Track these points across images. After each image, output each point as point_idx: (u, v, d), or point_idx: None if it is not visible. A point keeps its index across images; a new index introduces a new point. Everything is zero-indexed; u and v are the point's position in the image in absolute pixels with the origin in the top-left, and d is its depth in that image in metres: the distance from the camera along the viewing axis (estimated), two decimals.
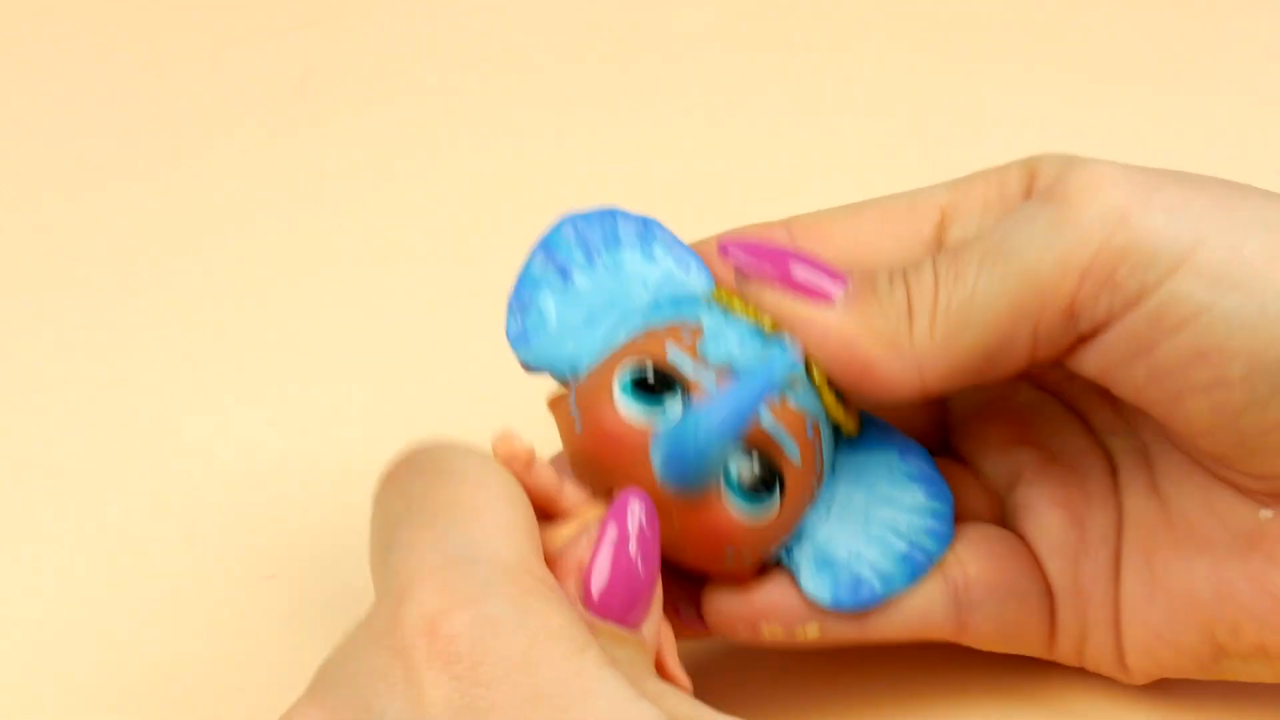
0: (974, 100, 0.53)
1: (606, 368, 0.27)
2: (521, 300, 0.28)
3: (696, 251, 0.29)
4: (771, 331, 0.27)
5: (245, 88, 0.56)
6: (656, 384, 0.26)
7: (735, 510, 0.26)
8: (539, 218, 0.49)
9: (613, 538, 0.24)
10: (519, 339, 0.28)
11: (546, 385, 0.28)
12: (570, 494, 0.26)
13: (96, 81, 0.57)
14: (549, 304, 0.28)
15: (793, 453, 0.26)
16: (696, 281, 0.28)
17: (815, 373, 0.26)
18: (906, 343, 0.26)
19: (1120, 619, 0.28)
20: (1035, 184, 0.28)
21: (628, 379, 0.26)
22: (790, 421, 0.26)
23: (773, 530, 0.26)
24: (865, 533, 0.27)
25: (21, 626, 0.35)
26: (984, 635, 0.28)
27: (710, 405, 0.25)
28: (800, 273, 0.26)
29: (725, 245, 0.27)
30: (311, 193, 0.50)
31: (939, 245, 0.28)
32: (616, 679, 0.21)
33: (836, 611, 0.27)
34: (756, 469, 0.26)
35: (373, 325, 0.44)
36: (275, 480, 0.39)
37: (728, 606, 0.27)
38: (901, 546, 0.27)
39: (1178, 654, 0.28)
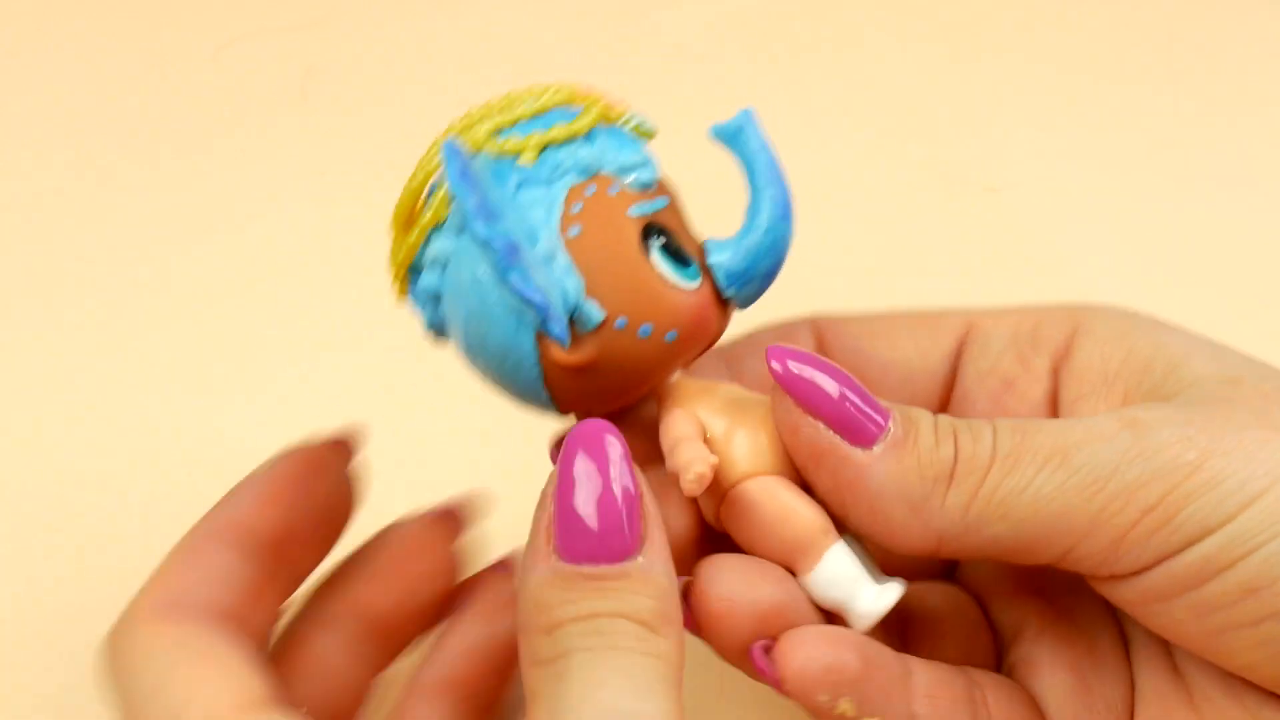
0: (974, 99, 0.53)
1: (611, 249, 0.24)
2: (467, 179, 0.24)
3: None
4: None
5: (246, 87, 0.56)
6: (673, 250, 0.25)
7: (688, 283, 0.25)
8: None
9: (570, 474, 0.23)
10: (479, 209, 0.23)
11: None
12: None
13: (98, 80, 0.57)
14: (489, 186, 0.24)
15: None
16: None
17: None
18: (936, 508, 0.24)
19: None
20: (1078, 333, 0.27)
21: (660, 244, 0.25)
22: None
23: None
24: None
25: (22, 626, 0.35)
26: None
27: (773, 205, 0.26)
28: (845, 405, 0.25)
29: (773, 352, 0.25)
30: (312, 191, 0.50)
31: (957, 357, 0.28)
32: None
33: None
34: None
35: (373, 323, 0.44)
36: None
37: (809, 663, 0.25)
38: None
39: None
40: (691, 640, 0.26)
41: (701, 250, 0.26)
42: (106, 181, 0.51)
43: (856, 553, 0.26)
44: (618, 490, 0.23)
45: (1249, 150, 0.50)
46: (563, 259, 0.24)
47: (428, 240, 0.25)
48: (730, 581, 0.25)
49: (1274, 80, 0.54)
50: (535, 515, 0.24)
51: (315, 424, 0.41)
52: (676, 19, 0.59)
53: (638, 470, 0.24)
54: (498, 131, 0.24)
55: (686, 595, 0.26)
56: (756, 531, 0.26)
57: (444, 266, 0.25)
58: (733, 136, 0.26)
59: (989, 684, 0.27)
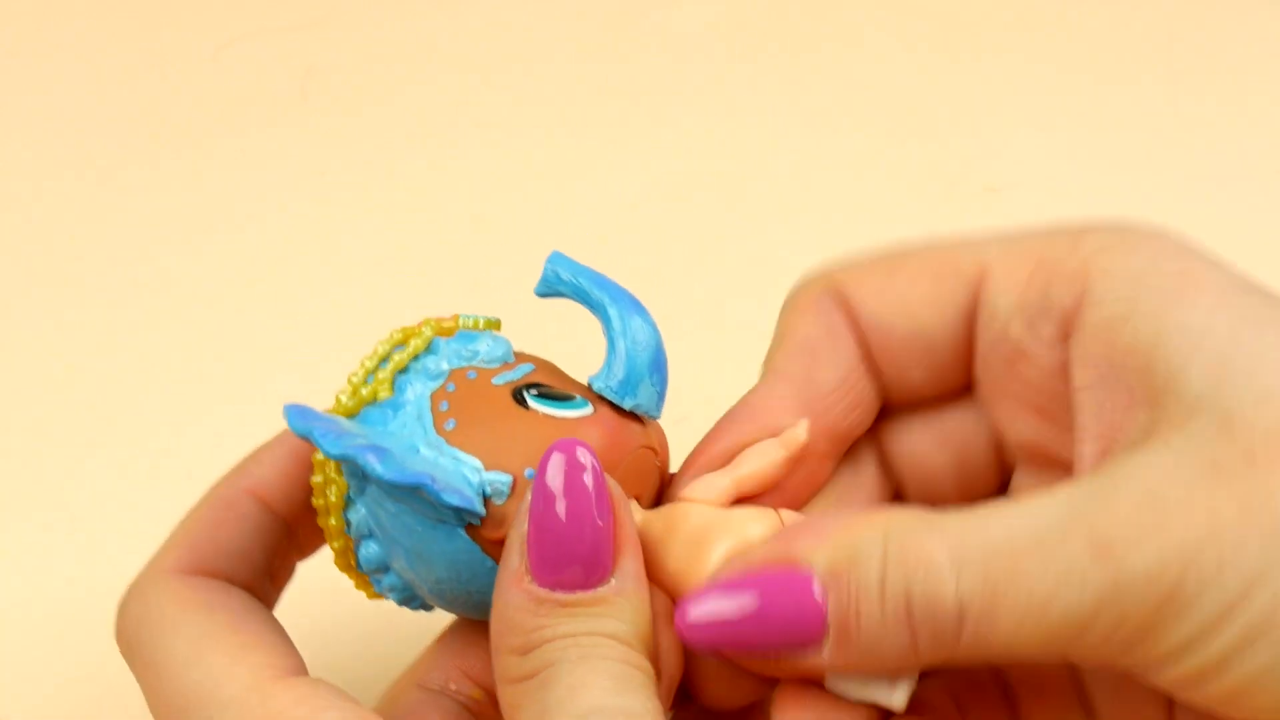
0: (974, 99, 0.53)
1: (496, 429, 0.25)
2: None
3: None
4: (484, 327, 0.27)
5: (246, 87, 0.56)
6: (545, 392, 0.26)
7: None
8: (539, 215, 0.49)
9: (543, 501, 0.23)
10: (364, 454, 0.24)
11: None
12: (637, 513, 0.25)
13: (98, 80, 0.57)
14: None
15: None
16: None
17: None
18: (914, 663, 0.23)
19: None
20: (1085, 301, 0.25)
21: (534, 394, 0.26)
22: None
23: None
24: None
25: (24, 628, 0.35)
26: None
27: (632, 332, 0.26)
28: (770, 641, 0.23)
29: (683, 628, 0.24)
30: (312, 191, 0.50)
31: (974, 312, 0.27)
32: None
33: None
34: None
35: (373, 322, 0.44)
36: None
37: None
38: None
39: None
40: None
41: (588, 388, 0.26)
42: (106, 181, 0.51)
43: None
44: (592, 510, 0.23)
45: (1249, 150, 0.50)
46: (450, 451, 0.24)
47: (346, 521, 0.26)
48: None
49: (1274, 80, 0.54)
50: (509, 535, 0.24)
51: None
52: (677, 18, 0.59)
53: (612, 484, 0.24)
54: (357, 390, 0.26)
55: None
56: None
57: (370, 531, 0.25)
58: (554, 283, 0.27)
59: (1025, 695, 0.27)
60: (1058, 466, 0.27)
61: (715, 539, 0.25)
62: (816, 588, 0.23)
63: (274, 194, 0.50)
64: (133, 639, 0.25)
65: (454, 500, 0.23)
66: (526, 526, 0.23)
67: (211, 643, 0.24)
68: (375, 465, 0.23)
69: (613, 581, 0.23)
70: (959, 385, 0.28)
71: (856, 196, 0.49)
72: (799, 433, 0.26)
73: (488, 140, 0.52)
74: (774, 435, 0.27)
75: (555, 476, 0.23)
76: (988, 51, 0.56)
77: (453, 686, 0.26)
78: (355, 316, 0.44)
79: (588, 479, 0.23)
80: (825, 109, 0.53)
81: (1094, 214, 0.28)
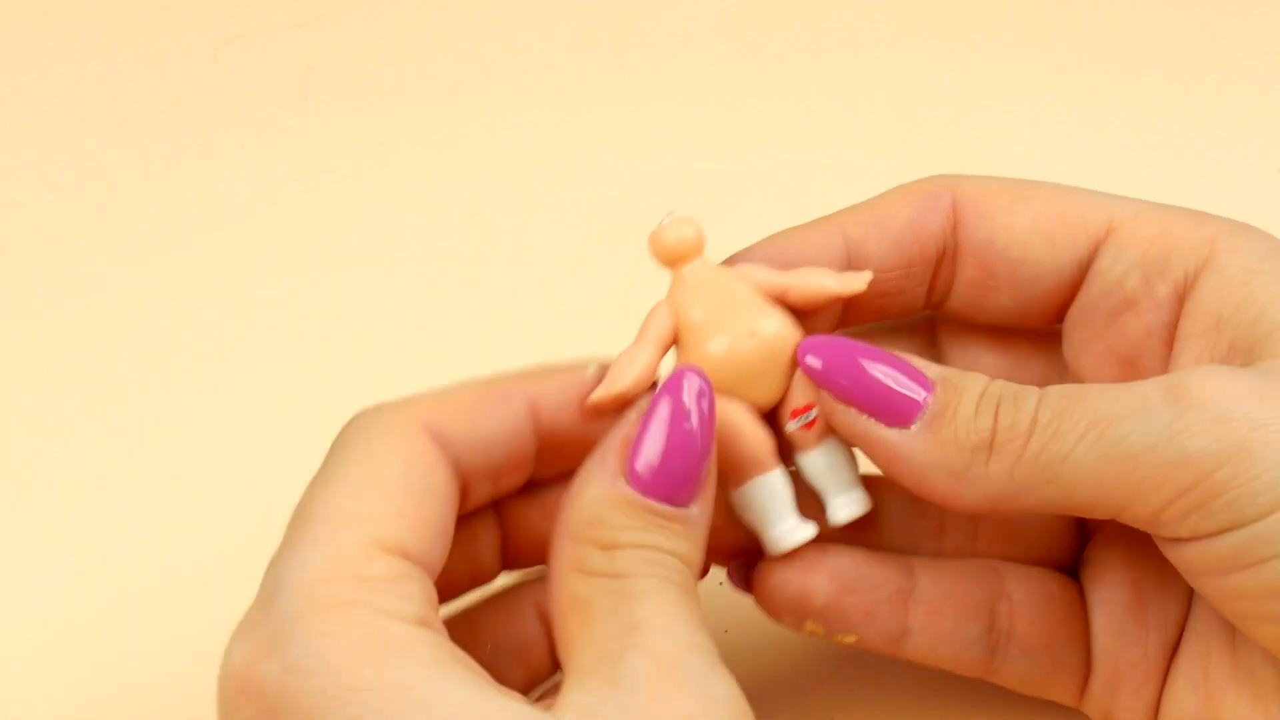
0: (974, 99, 0.53)
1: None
2: None
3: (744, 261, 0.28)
4: None
5: (246, 85, 0.56)
6: None
7: None
8: (538, 215, 0.49)
9: (666, 413, 0.24)
10: None
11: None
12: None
13: (98, 79, 0.57)
14: None
15: None
16: None
17: None
18: (979, 475, 0.25)
19: (1159, 713, 0.28)
20: (1207, 266, 0.27)
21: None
22: None
23: None
24: None
25: (28, 625, 0.35)
26: (1010, 680, 0.29)
27: None
28: (879, 392, 0.25)
29: (807, 346, 0.26)
30: (312, 189, 0.50)
31: (1088, 262, 0.27)
32: (451, 672, 0.21)
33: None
34: None
35: (373, 320, 0.44)
36: (275, 476, 0.39)
37: (778, 588, 0.28)
38: None
39: None
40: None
41: None
42: (107, 179, 0.51)
43: (782, 489, 0.27)
44: (699, 443, 0.24)
45: (1249, 150, 0.50)
46: None
47: None
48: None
49: (1275, 79, 0.54)
50: (610, 431, 0.25)
51: (315, 419, 0.41)
52: (678, 17, 0.59)
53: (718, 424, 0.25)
54: None
55: None
56: None
57: None
58: None
59: (1024, 593, 0.28)
60: None
61: (733, 317, 0.26)
62: (928, 374, 0.25)
63: (274, 192, 0.50)
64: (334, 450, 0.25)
65: None
66: (637, 429, 0.24)
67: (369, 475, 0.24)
68: None
69: (694, 508, 0.24)
70: (1035, 321, 0.29)
71: (857, 195, 0.49)
72: (860, 279, 0.27)
73: (488, 138, 0.52)
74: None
75: (678, 407, 0.24)
76: (988, 51, 0.56)
77: None
78: (355, 314, 0.44)
79: (706, 405, 0.25)
80: (826, 108, 0.53)
81: None
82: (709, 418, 0.25)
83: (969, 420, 0.25)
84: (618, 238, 0.47)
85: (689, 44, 0.57)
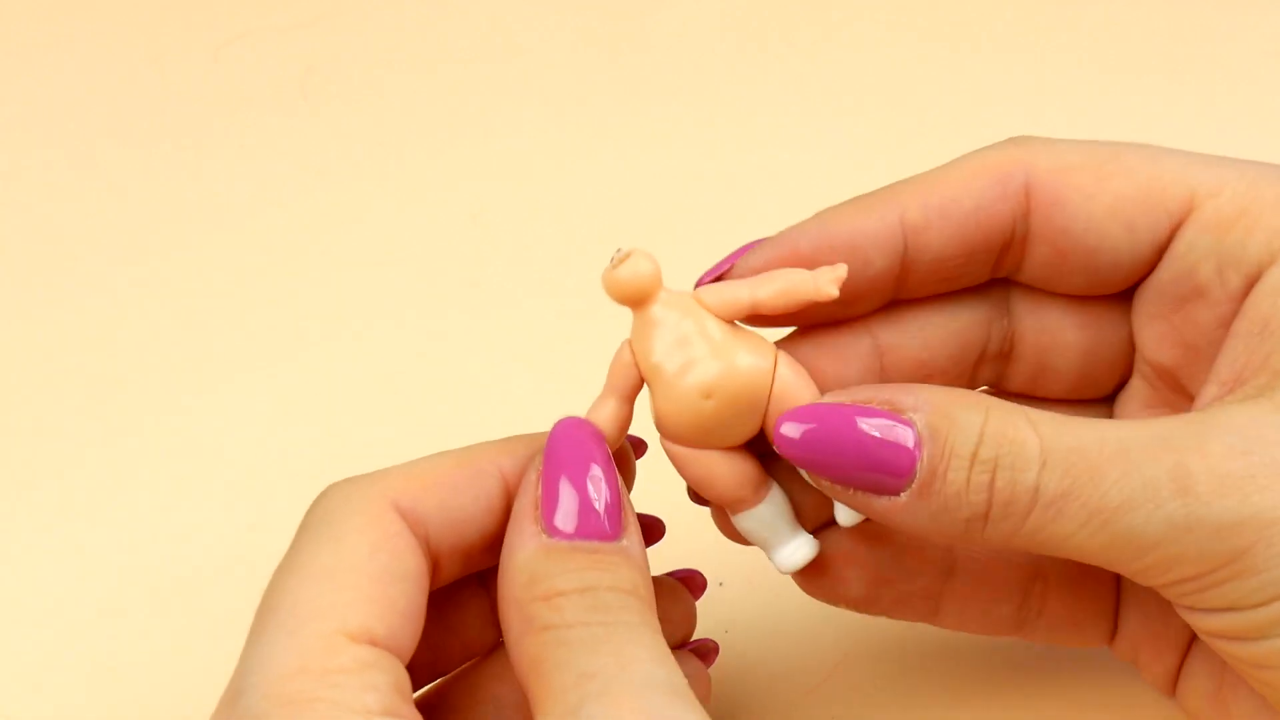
0: (975, 98, 0.53)
1: None
2: None
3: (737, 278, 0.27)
4: None
5: (246, 85, 0.56)
6: None
7: None
8: (538, 214, 0.49)
9: (558, 467, 0.24)
10: None
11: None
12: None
13: (98, 79, 0.57)
14: None
15: None
16: None
17: None
18: (975, 538, 0.24)
19: (1177, 689, 0.28)
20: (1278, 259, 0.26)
21: None
22: None
23: None
24: None
25: (29, 625, 0.35)
26: (1034, 639, 0.29)
27: None
28: (863, 468, 0.24)
29: (784, 421, 0.25)
30: (311, 189, 0.50)
31: (1165, 245, 0.26)
32: None
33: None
34: None
35: (373, 320, 0.44)
36: (277, 477, 0.39)
37: (815, 576, 0.27)
38: None
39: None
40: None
41: None
42: (107, 179, 0.51)
43: (774, 515, 0.26)
44: (605, 484, 0.24)
45: (1249, 150, 0.50)
46: None
47: None
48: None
49: (1275, 79, 0.54)
50: (518, 499, 0.24)
51: (314, 420, 0.41)
52: (678, 16, 0.59)
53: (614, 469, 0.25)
54: None
55: None
56: (689, 479, 0.27)
57: None
58: None
59: (1059, 574, 0.28)
60: (1181, 393, 0.27)
61: (700, 359, 0.25)
62: (913, 436, 0.23)
63: (274, 192, 0.50)
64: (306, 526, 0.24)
65: None
66: (540, 490, 0.24)
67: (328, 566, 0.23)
68: None
69: (624, 540, 0.24)
70: (1107, 292, 0.28)
71: (856, 191, 0.49)
72: (833, 284, 0.25)
73: (488, 138, 0.52)
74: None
75: (574, 446, 0.24)
76: (989, 51, 0.56)
77: None
78: (355, 314, 0.44)
79: (595, 447, 0.24)
80: (826, 108, 0.53)
81: None
82: (603, 458, 0.24)
83: (960, 492, 0.23)
84: (618, 238, 0.47)
85: (689, 45, 0.57)
